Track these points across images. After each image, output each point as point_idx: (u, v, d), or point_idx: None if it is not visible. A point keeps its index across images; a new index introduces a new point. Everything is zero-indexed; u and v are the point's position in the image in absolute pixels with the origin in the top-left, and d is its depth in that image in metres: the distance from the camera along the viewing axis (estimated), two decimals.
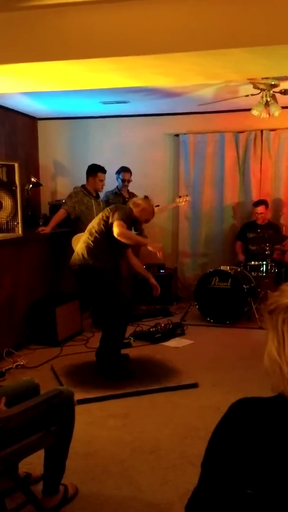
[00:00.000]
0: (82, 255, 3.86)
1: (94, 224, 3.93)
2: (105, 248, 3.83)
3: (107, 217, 3.80)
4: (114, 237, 3.70)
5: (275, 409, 1.06)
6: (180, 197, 5.82)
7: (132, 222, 3.94)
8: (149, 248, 3.91)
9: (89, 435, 2.87)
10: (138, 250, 4.17)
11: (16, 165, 4.16)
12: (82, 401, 3.22)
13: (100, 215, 3.93)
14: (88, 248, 3.85)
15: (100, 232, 3.83)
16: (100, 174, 5.30)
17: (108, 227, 3.79)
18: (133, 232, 4.12)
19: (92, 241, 3.86)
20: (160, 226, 6.40)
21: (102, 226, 3.83)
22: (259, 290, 5.44)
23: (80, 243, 3.99)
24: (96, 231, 3.86)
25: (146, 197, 4.09)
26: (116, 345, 3.86)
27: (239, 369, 3.93)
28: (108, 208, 3.94)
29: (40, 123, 6.81)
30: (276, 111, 4.83)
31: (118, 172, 5.88)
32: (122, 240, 3.70)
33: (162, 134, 6.51)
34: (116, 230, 3.68)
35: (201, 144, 6.38)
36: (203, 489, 1.09)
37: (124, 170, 5.88)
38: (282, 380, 1.05)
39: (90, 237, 3.89)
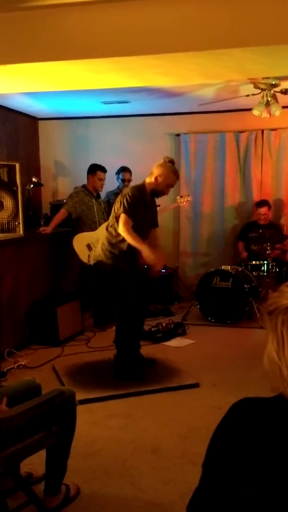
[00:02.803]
0: (103, 253, 3.74)
1: (109, 220, 3.82)
2: (122, 244, 3.67)
3: (117, 209, 3.67)
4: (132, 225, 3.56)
5: (276, 409, 1.06)
6: (181, 197, 5.83)
7: (153, 194, 3.74)
8: (145, 256, 3.61)
9: (90, 435, 2.87)
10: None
11: (17, 165, 4.16)
12: (83, 401, 3.23)
13: (113, 208, 3.78)
14: (107, 245, 3.73)
15: (113, 229, 3.71)
16: (99, 173, 5.30)
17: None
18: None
19: (109, 237, 3.73)
20: (161, 226, 6.35)
21: (115, 219, 3.70)
22: (260, 289, 5.44)
23: (99, 242, 3.87)
24: (111, 226, 3.73)
25: (168, 159, 3.73)
26: (127, 348, 3.79)
27: (240, 368, 3.94)
28: (118, 198, 3.76)
29: (41, 123, 6.82)
30: (276, 110, 4.83)
31: (118, 172, 5.89)
32: (124, 236, 3.58)
33: (163, 134, 6.51)
34: (120, 226, 3.57)
35: (202, 144, 6.38)
36: (204, 489, 1.09)
37: (123, 170, 5.89)
38: (281, 381, 1.05)
39: (107, 233, 3.76)
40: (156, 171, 3.68)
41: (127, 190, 3.71)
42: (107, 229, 3.79)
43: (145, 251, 3.58)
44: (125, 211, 3.57)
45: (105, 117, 6.57)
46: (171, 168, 3.71)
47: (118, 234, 3.65)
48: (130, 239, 3.59)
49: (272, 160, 6.19)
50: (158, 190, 3.72)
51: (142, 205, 3.68)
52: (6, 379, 3.72)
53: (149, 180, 3.70)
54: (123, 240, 3.64)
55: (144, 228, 3.76)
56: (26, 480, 2.22)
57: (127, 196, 3.60)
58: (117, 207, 3.66)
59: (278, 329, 1.05)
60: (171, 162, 3.75)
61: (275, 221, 6.12)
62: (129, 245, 3.65)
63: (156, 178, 3.67)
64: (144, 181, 3.75)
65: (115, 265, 3.71)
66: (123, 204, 3.59)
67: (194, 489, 1.11)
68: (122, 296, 3.72)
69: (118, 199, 3.69)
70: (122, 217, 3.57)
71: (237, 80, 4.64)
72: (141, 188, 3.71)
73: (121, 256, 3.70)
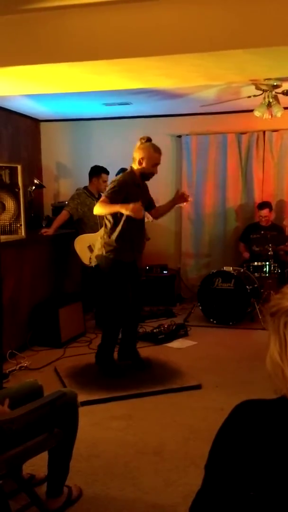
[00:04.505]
0: (102, 247, 3.77)
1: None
2: (119, 233, 3.69)
3: None
4: (127, 218, 3.61)
5: (278, 411, 1.06)
6: None
7: (143, 177, 3.74)
8: (125, 211, 3.54)
9: (92, 437, 2.87)
10: (143, 243, 3.99)
11: (19, 167, 4.17)
12: (85, 403, 3.22)
13: None
14: (105, 239, 3.76)
15: (107, 220, 3.75)
16: (103, 175, 5.32)
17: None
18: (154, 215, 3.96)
19: (107, 232, 3.76)
20: (163, 226, 6.39)
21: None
22: (262, 290, 5.44)
23: (98, 241, 3.90)
24: (108, 220, 3.75)
25: (144, 140, 3.73)
26: (108, 345, 3.88)
27: (242, 370, 3.93)
28: None
29: (42, 125, 6.82)
30: (278, 112, 4.83)
31: (117, 174, 5.89)
32: (98, 213, 3.66)
33: (164, 135, 6.50)
34: (95, 206, 3.66)
35: (203, 145, 6.38)
36: (207, 491, 1.09)
37: (124, 171, 5.89)
38: (284, 383, 1.05)
39: (105, 229, 3.79)
40: (137, 155, 3.69)
41: (116, 177, 3.77)
42: (104, 224, 3.82)
43: (122, 208, 3.55)
44: (106, 196, 3.63)
45: (106, 119, 6.58)
46: (152, 147, 3.69)
47: (112, 225, 3.69)
48: (104, 210, 3.62)
49: (274, 161, 6.19)
50: (146, 172, 3.71)
51: (135, 189, 3.71)
52: (8, 381, 3.72)
53: (135, 165, 3.72)
54: (115, 228, 3.68)
55: (138, 226, 3.79)
56: (28, 482, 2.22)
57: (116, 183, 3.65)
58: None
59: (280, 331, 1.05)
60: (148, 140, 3.73)
61: (277, 222, 6.11)
62: (128, 233, 3.68)
63: (139, 162, 3.68)
64: (131, 166, 3.77)
65: (116, 257, 3.72)
66: (109, 189, 3.66)
67: (196, 491, 1.11)
68: (118, 293, 3.75)
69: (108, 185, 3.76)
70: (102, 198, 3.65)
71: (238, 82, 4.64)
72: (131, 173, 3.74)
73: (121, 246, 3.70)
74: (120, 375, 3.78)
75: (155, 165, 3.72)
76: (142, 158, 3.67)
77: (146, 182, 3.87)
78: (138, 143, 3.73)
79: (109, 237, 3.73)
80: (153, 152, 3.68)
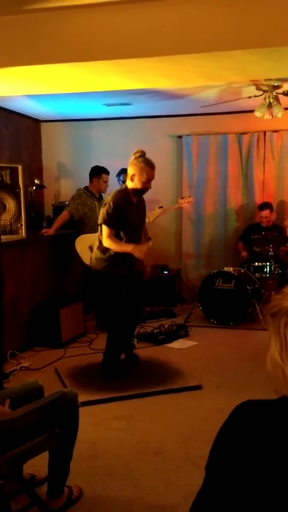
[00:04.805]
0: (97, 262, 3.78)
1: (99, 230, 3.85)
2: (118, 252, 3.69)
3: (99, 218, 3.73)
4: (123, 230, 3.63)
5: (279, 411, 1.06)
6: (182, 198, 5.84)
7: (136, 193, 3.70)
8: (136, 256, 3.62)
9: (93, 437, 2.87)
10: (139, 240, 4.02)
11: (19, 167, 4.17)
12: (86, 403, 3.22)
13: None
14: (99, 253, 3.77)
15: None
16: (104, 175, 5.33)
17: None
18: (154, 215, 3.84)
19: (99, 248, 3.77)
20: (163, 227, 6.40)
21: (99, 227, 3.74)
22: (263, 291, 5.44)
23: (94, 249, 3.89)
24: (100, 234, 3.77)
25: (138, 154, 3.64)
26: (115, 350, 3.86)
27: (243, 370, 3.93)
28: (102, 207, 3.77)
29: (43, 125, 6.83)
30: (279, 112, 4.83)
31: (118, 174, 5.91)
32: (110, 248, 3.64)
33: (165, 136, 6.52)
34: (104, 239, 3.64)
35: (204, 146, 6.38)
36: (207, 491, 1.09)
37: (124, 172, 5.88)
38: (284, 383, 1.05)
39: (97, 242, 3.80)
40: (130, 171, 3.64)
41: (108, 199, 3.67)
42: (99, 237, 3.80)
43: (134, 252, 3.58)
44: (105, 223, 3.60)
45: (107, 119, 6.58)
46: (143, 163, 3.60)
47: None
48: (116, 248, 3.64)
49: (275, 162, 6.19)
50: (139, 188, 3.66)
51: (129, 208, 3.69)
52: (9, 381, 3.72)
53: (128, 181, 3.68)
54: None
55: (137, 228, 3.81)
56: (29, 482, 2.22)
57: (108, 207, 3.60)
58: (99, 216, 3.68)
59: (281, 331, 1.05)
60: (142, 155, 3.65)
61: (278, 223, 6.11)
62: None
63: (131, 178, 3.64)
64: (125, 184, 3.75)
65: (110, 270, 3.73)
66: (103, 215, 3.61)
67: (197, 491, 1.11)
68: (116, 305, 3.73)
69: (102, 208, 3.70)
70: (104, 229, 3.63)
71: (239, 82, 4.64)
72: (123, 192, 3.70)
73: (115, 261, 3.71)
74: (123, 376, 3.78)
75: (148, 181, 3.64)
76: (134, 175, 3.61)
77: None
78: (132, 158, 3.66)
79: (104, 252, 3.74)
80: (144, 167, 3.59)
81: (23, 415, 1.88)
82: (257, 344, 4.53)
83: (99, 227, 3.76)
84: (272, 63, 3.23)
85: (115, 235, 3.67)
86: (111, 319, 3.86)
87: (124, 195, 3.68)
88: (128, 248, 3.60)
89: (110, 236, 3.63)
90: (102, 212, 3.66)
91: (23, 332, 4.53)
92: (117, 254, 3.68)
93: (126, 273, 3.76)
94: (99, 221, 3.68)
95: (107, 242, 3.63)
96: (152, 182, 3.79)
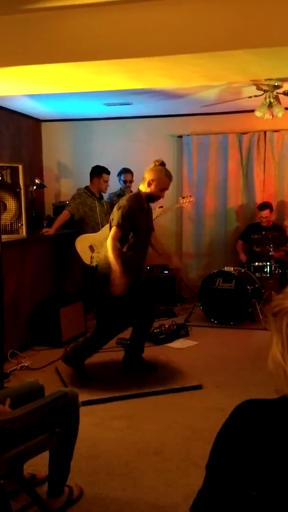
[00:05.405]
0: (106, 264, 3.63)
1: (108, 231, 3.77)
2: (124, 255, 3.61)
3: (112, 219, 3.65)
4: (132, 235, 3.58)
5: (279, 411, 1.06)
6: (183, 197, 5.84)
7: (148, 200, 3.68)
8: (112, 278, 3.50)
9: (93, 437, 2.87)
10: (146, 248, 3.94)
11: (20, 167, 4.17)
12: (86, 403, 3.22)
13: (110, 217, 3.74)
14: (105, 261, 3.63)
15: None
16: (104, 175, 5.34)
17: None
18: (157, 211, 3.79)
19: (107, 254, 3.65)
20: (163, 227, 6.39)
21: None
22: (263, 291, 5.44)
23: (102, 249, 3.80)
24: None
25: (158, 163, 3.66)
26: (92, 348, 3.84)
27: (243, 370, 3.93)
28: (115, 208, 3.71)
29: (44, 125, 6.83)
30: (279, 112, 4.83)
31: (119, 174, 5.92)
32: (108, 248, 3.55)
33: (165, 136, 6.52)
34: (108, 239, 3.56)
35: (204, 145, 6.38)
36: (207, 491, 1.09)
37: (125, 171, 5.93)
38: (286, 383, 1.05)
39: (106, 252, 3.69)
40: (148, 176, 3.63)
41: (123, 202, 3.64)
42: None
43: (115, 279, 3.49)
44: (118, 225, 3.55)
45: (108, 119, 6.58)
46: (163, 171, 3.64)
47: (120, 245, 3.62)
48: (111, 254, 3.53)
49: (275, 162, 6.19)
50: (153, 195, 3.68)
51: (141, 214, 3.67)
52: (9, 381, 3.72)
53: (143, 186, 3.66)
54: (121, 250, 3.60)
55: (146, 235, 3.78)
56: (29, 482, 2.22)
57: (123, 210, 3.56)
58: (113, 218, 3.61)
59: (283, 331, 1.05)
60: (162, 164, 3.70)
61: (278, 223, 6.11)
62: (133, 255, 3.64)
63: (149, 184, 3.62)
64: (138, 189, 3.72)
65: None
66: (118, 217, 3.56)
67: (197, 491, 1.11)
68: (114, 311, 3.67)
69: (115, 209, 3.64)
70: (113, 230, 3.56)
71: (239, 82, 4.64)
72: (137, 197, 3.68)
73: (125, 268, 3.58)
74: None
75: (163, 189, 3.67)
76: (152, 180, 3.60)
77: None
78: (152, 165, 3.68)
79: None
80: (164, 176, 3.62)
81: (24, 414, 1.88)
82: (257, 344, 4.53)
83: (101, 227, 3.72)
84: (272, 63, 3.23)
85: (122, 239, 3.61)
86: (105, 321, 3.80)
87: (138, 199, 3.66)
88: (116, 268, 3.49)
89: (116, 238, 3.56)
90: (117, 215, 3.57)
91: (23, 332, 4.53)
92: (127, 262, 3.60)
93: (133, 279, 3.67)
94: (113, 223, 3.57)
95: (110, 243, 3.56)
96: None
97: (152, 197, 3.70)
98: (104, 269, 3.65)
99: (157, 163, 3.69)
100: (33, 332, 4.64)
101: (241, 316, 5.27)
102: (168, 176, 3.67)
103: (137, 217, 3.62)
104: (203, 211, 6.49)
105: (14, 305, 4.37)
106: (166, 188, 3.70)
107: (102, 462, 2.63)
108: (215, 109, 5.77)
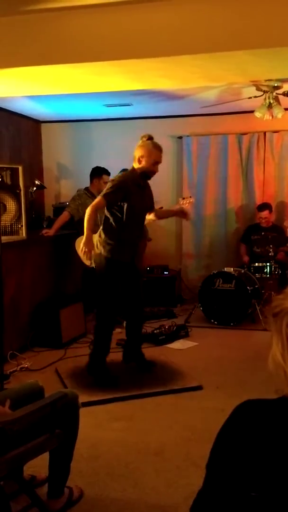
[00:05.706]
0: (101, 245, 3.66)
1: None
2: (118, 232, 3.61)
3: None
4: (126, 207, 3.55)
5: (280, 411, 1.06)
6: (183, 198, 5.82)
7: (143, 176, 3.65)
8: (80, 247, 3.60)
9: (93, 438, 2.87)
10: (144, 248, 3.91)
11: (20, 168, 4.17)
12: (86, 404, 3.22)
13: None
14: (101, 238, 3.66)
15: (106, 218, 3.66)
16: (105, 176, 5.33)
17: (109, 209, 3.62)
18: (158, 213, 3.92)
19: (102, 230, 3.68)
20: (163, 227, 6.40)
21: (105, 210, 3.66)
22: (263, 291, 5.44)
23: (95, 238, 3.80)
24: (107, 218, 3.67)
25: (145, 138, 3.66)
26: (100, 353, 3.76)
27: (243, 371, 3.93)
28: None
29: (43, 126, 6.83)
30: (279, 113, 4.83)
31: None
32: (86, 214, 3.56)
33: (165, 136, 6.49)
34: (89, 207, 3.57)
35: (204, 146, 6.39)
36: (208, 491, 1.09)
37: (124, 171, 5.91)
38: (286, 383, 1.05)
39: (103, 226, 3.70)
40: (138, 153, 3.62)
41: (115, 177, 3.69)
42: (103, 221, 3.74)
43: (85, 237, 3.55)
44: (103, 196, 3.56)
45: (107, 120, 6.59)
46: (151, 144, 3.61)
47: (111, 223, 3.62)
48: (86, 219, 3.56)
49: (275, 162, 6.19)
50: (147, 171, 3.63)
51: (136, 188, 3.64)
52: (9, 382, 3.72)
53: (135, 163, 3.65)
54: (114, 226, 3.62)
55: (141, 212, 3.74)
56: (29, 483, 2.22)
57: (113, 183, 3.59)
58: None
59: (283, 331, 1.05)
60: (149, 138, 3.67)
61: (277, 223, 6.11)
62: (127, 231, 3.62)
63: (139, 160, 3.61)
64: (132, 166, 3.71)
65: (114, 257, 3.63)
66: (107, 188, 3.60)
67: (197, 491, 1.11)
68: (108, 295, 3.68)
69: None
70: (97, 198, 3.58)
71: (239, 83, 4.65)
72: (132, 172, 3.68)
73: (119, 245, 3.62)
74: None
75: (156, 163, 3.63)
76: (142, 156, 3.59)
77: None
78: (139, 142, 3.68)
79: (107, 235, 3.65)
80: (152, 149, 3.60)
81: (24, 416, 1.88)
82: (257, 345, 4.53)
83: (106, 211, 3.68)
84: (272, 64, 3.23)
85: (117, 215, 3.59)
86: (100, 309, 3.78)
87: (132, 176, 3.66)
88: (86, 233, 3.55)
89: (96, 206, 3.56)
90: (106, 187, 3.63)
91: (23, 333, 4.53)
92: (121, 239, 3.62)
93: (129, 260, 3.69)
94: (100, 194, 3.60)
95: (89, 209, 3.55)
96: (152, 181, 3.80)
97: (146, 173, 3.66)
98: (104, 257, 3.66)
99: (144, 138, 3.68)
100: (33, 333, 4.64)
101: (241, 317, 5.27)
102: (157, 147, 3.63)
103: (131, 191, 3.59)
104: (203, 211, 6.49)
105: (14, 306, 4.37)
106: (159, 161, 3.65)
107: (102, 462, 2.63)
108: (215, 110, 5.77)
